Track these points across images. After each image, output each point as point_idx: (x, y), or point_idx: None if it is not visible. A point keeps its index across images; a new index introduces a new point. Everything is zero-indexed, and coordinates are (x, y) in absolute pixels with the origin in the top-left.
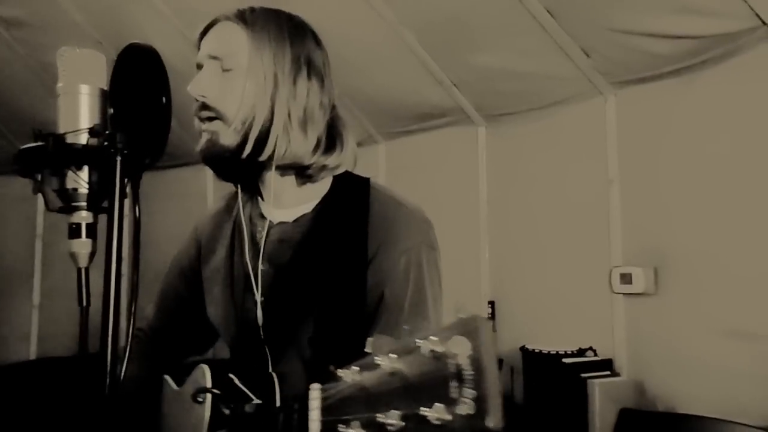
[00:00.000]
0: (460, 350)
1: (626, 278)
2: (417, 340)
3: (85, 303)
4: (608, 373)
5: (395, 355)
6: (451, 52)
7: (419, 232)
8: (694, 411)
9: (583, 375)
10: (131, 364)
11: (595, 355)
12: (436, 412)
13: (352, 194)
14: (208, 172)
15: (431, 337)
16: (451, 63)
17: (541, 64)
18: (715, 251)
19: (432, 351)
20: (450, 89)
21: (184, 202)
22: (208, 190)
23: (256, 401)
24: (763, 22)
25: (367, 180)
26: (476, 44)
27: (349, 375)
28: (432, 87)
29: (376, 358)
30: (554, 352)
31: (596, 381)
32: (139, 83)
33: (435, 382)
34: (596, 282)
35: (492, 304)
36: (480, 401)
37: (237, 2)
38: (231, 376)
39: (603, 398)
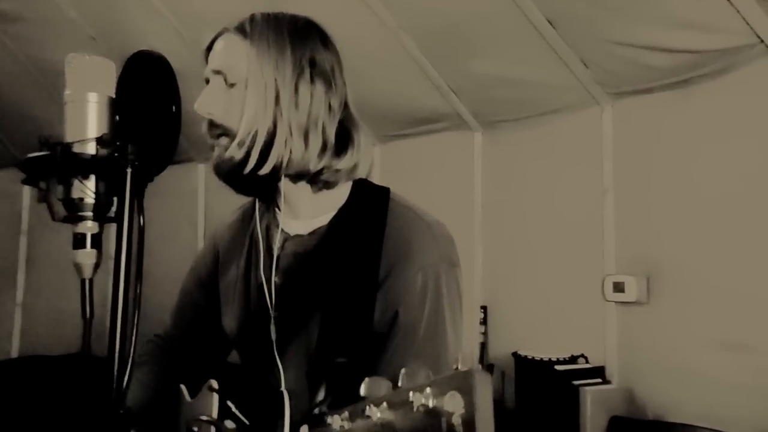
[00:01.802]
0: (453, 408)
1: (619, 287)
2: (410, 393)
3: (88, 315)
4: (600, 380)
5: (386, 405)
6: (450, 58)
7: (438, 249)
8: (683, 419)
9: (575, 382)
10: (146, 369)
11: (587, 362)
12: None
13: (369, 207)
14: (200, 170)
15: (426, 390)
16: (450, 69)
17: (540, 72)
18: (707, 262)
19: (424, 405)
20: (448, 95)
21: (176, 201)
22: (200, 189)
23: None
24: (761, 39)
25: (386, 191)
26: (475, 51)
27: (338, 421)
28: (430, 92)
29: (366, 408)
30: (546, 359)
31: (588, 389)
32: (147, 91)
33: None
34: (589, 290)
35: (485, 309)
36: None
37: (232, 1)
38: (228, 403)
39: (594, 406)
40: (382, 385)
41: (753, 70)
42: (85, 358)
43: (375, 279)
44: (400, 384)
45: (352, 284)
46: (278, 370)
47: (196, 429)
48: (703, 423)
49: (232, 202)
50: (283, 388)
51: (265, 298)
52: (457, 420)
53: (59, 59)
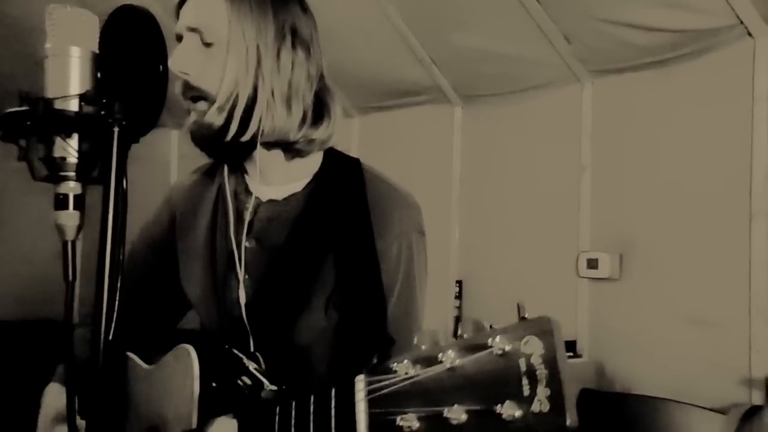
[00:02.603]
0: (533, 350)
1: (592, 263)
2: (489, 338)
3: (71, 278)
4: (571, 354)
5: (453, 351)
6: (433, 29)
7: (410, 218)
8: (650, 392)
9: None
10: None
11: None
12: (508, 409)
13: (344, 174)
14: (173, 136)
15: (497, 338)
16: (433, 41)
17: (522, 47)
18: (679, 241)
19: (501, 349)
20: (429, 67)
21: (147, 168)
22: (172, 155)
23: (272, 387)
24: (740, 21)
25: (357, 160)
26: (459, 24)
27: (403, 368)
28: (411, 64)
29: (440, 354)
30: None
31: None
32: (132, 48)
33: (505, 380)
34: (563, 266)
35: (460, 283)
36: (555, 399)
37: None
38: (245, 362)
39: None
40: (433, 334)
41: (732, 51)
42: (65, 324)
43: (371, 236)
44: (460, 333)
45: (358, 244)
46: (247, 332)
47: (215, 384)
48: (668, 396)
49: None
50: (252, 349)
51: (234, 262)
52: (536, 360)
53: (26, 14)
